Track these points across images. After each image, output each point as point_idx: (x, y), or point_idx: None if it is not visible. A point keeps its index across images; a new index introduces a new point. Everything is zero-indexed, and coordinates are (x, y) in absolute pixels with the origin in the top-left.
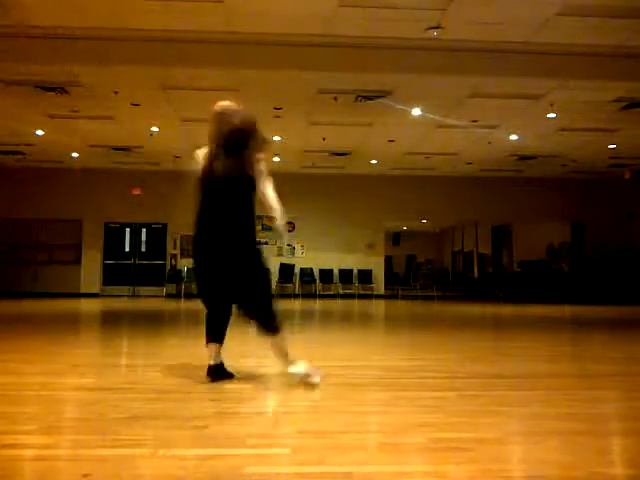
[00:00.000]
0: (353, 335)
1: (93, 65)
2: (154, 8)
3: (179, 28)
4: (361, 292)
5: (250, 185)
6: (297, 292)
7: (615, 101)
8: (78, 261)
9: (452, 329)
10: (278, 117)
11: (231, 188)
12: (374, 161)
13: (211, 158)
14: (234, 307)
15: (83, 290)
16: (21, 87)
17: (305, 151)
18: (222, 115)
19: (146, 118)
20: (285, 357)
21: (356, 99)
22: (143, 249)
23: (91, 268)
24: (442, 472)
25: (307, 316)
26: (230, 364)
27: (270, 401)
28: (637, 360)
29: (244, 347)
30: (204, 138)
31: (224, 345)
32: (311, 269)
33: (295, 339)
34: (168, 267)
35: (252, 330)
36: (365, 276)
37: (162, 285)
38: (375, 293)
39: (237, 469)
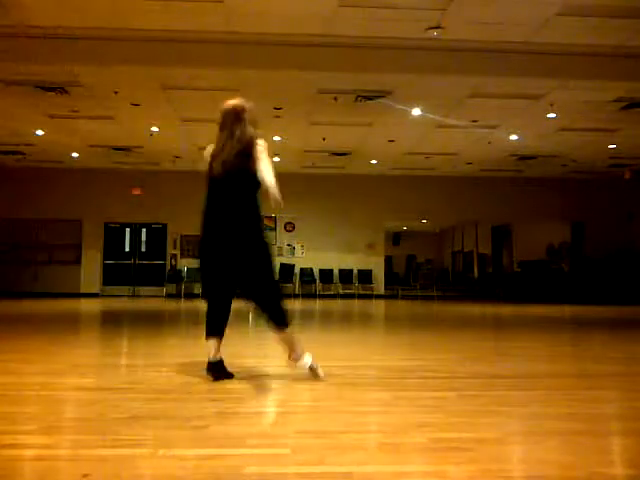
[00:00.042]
0: (353, 335)
1: (93, 65)
2: (154, 8)
3: (179, 28)
4: (361, 292)
5: (251, 180)
6: (297, 292)
7: (615, 101)
8: (78, 261)
9: (452, 329)
10: (278, 117)
11: (232, 185)
12: (374, 161)
13: (212, 157)
14: (238, 302)
15: (83, 290)
16: (21, 87)
17: (305, 151)
18: (224, 113)
19: (146, 118)
20: (295, 351)
21: (356, 99)
22: (143, 249)
23: (91, 268)
24: (442, 472)
25: (307, 316)
26: (230, 364)
27: (270, 401)
28: (637, 360)
29: (244, 347)
30: (204, 138)
31: (224, 344)
32: (311, 269)
33: None
34: (168, 267)
35: (251, 330)
36: (365, 276)
37: (162, 285)
38: (375, 293)
39: (237, 469)
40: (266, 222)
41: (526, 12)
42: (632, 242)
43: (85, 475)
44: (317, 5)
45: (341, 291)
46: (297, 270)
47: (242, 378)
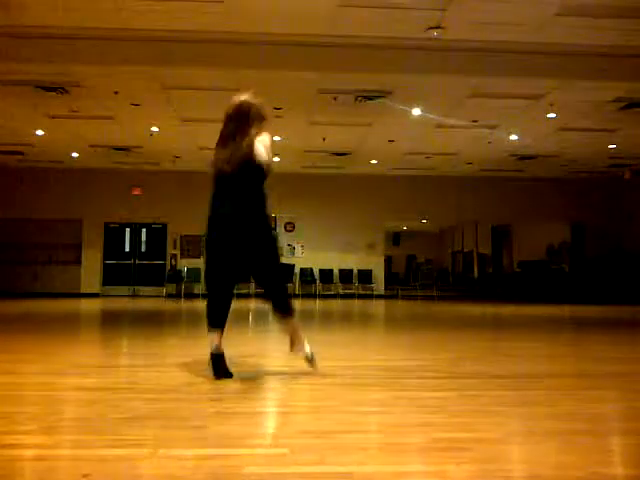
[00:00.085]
0: (353, 335)
1: (93, 65)
2: (154, 8)
3: (179, 28)
4: (361, 292)
5: (257, 173)
6: (297, 292)
7: (615, 101)
8: (78, 261)
9: (452, 329)
10: (278, 117)
11: (238, 179)
12: (374, 161)
13: (219, 152)
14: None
15: (83, 290)
16: (21, 87)
17: (305, 151)
18: (231, 109)
19: (146, 118)
20: (298, 338)
21: (356, 99)
22: (143, 249)
23: (91, 268)
24: (442, 472)
25: (307, 316)
26: (230, 364)
27: (270, 401)
28: (637, 360)
29: (244, 347)
30: (204, 138)
31: (224, 345)
32: (311, 269)
33: None
34: (168, 267)
35: (251, 330)
36: (365, 276)
37: (162, 285)
38: (375, 293)
39: (237, 469)
40: None
41: (526, 12)
42: (632, 242)
43: (85, 475)
44: (317, 5)
45: (341, 291)
46: (297, 270)
47: (242, 378)
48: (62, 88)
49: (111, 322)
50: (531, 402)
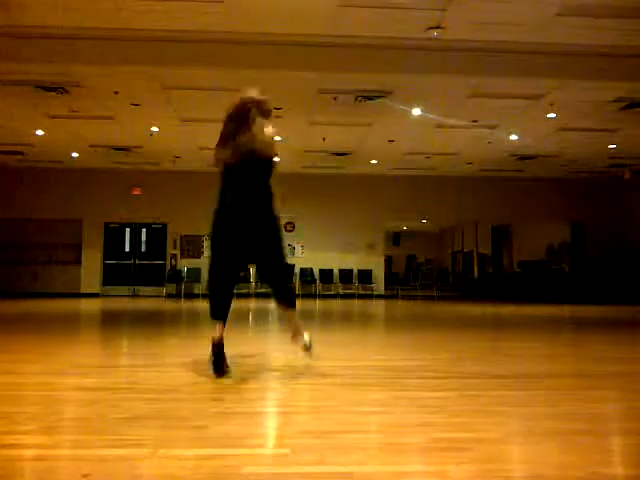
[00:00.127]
0: (353, 335)
1: (93, 65)
2: (154, 8)
3: (179, 28)
4: (361, 292)
5: (264, 167)
6: (297, 292)
7: (615, 101)
8: (78, 261)
9: (452, 329)
10: (278, 117)
11: (246, 173)
12: (374, 161)
13: (232, 146)
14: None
15: (83, 290)
16: (21, 87)
17: (305, 151)
18: (236, 107)
19: (146, 118)
20: (300, 328)
21: (356, 99)
22: (143, 249)
23: (91, 268)
24: (442, 472)
25: (307, 316)
26: (230, 364)
27: (270, 401)
28: (637, 360)
29: (244, 347)
30: (204, 138)
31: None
32: (311, 269)
33: None
34: (168, 267)
35: (251, 330)
36: (365, 276)
37: (162, 285)
38: (375, 293)
39: (237, 469)
40: None
41: (526, 12)
42: (632, 242)
43: (85, 475)
44: (317, 5)
45: (341, 291)
46: (297, 270)
47: (242, 378)
48: (62, 88)
49: (111, 322)
50: (531, 402)
